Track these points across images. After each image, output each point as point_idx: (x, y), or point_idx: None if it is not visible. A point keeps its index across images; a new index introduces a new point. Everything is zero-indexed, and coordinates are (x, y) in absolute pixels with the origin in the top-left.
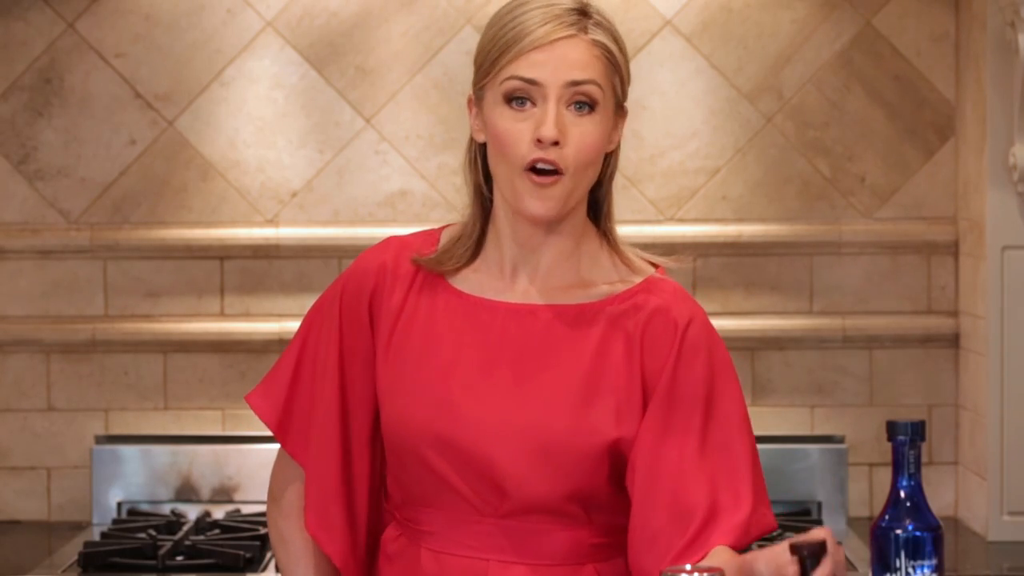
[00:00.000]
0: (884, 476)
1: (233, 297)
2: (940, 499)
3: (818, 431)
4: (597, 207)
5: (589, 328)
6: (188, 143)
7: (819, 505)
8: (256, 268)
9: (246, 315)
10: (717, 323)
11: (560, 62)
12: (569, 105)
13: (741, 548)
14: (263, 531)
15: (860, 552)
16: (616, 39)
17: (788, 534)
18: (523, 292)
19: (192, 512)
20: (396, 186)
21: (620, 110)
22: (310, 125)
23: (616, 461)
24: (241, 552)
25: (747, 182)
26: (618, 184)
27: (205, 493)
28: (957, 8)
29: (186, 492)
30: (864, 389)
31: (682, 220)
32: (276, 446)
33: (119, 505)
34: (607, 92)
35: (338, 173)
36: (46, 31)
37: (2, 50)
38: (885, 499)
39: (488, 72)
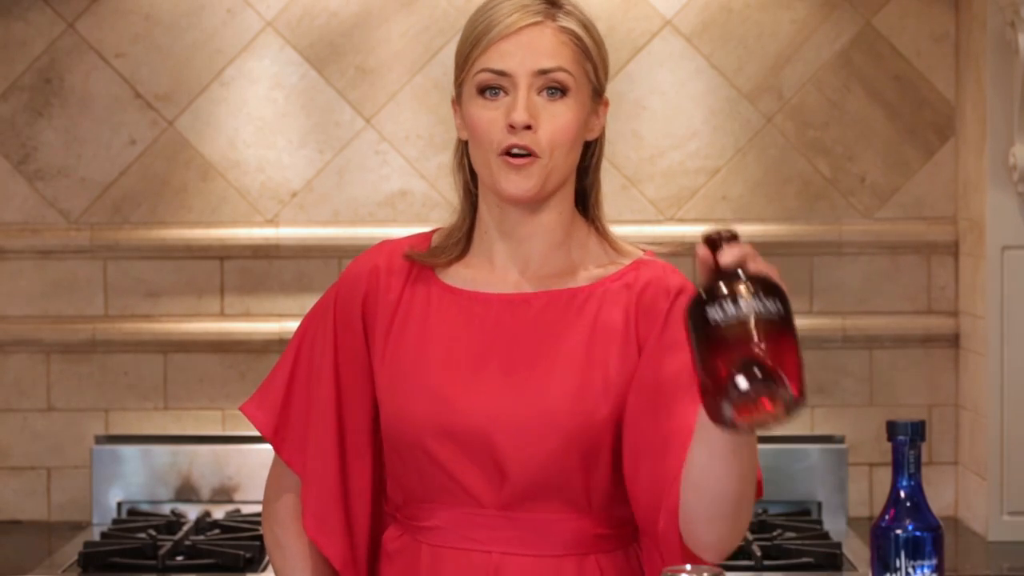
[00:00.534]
0: (884, 476)
1: (233, 297)
2: (940, 499)
3: (818, 431)
4: (584, 196)
5: (582, 310)
6: (188, 143)
7: (819, 505)
8: (256, 268)
9: (246, 315)
10: None
11: (528, 50)
12: (541, 92)
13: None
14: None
15: (860, 552)
16: (587, 26)
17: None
18: (515, 283)
19: (192, 512)
20: (396, 186)
21: (599, 98)
22: (310, 125)
23: (615, 435)
24: (241, 552)
25: (747, 182)
26: (618, 184)
27: (205, 493)
28: (957, 8)
29: (186, 492)
30: (864, 389)
31: (682, 220)
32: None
33: (119, 505)
34: (579, 78)
35: (338, 173)
36: (46, 31)
37: (2, 50)
38: (885, 499)
39: (463, 68)
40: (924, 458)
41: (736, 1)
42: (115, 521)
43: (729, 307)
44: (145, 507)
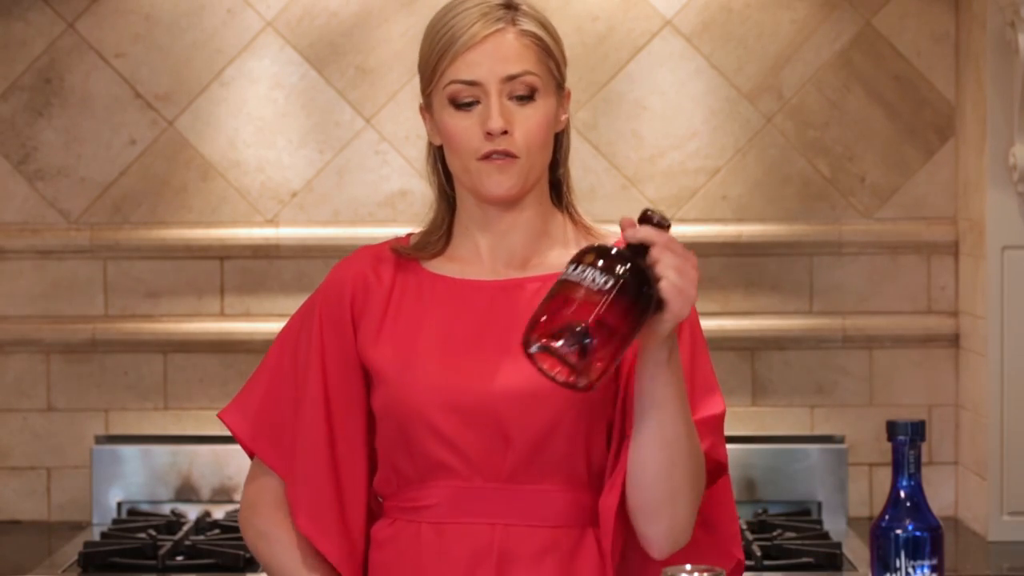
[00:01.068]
0: (884, 476)
1: (233, 297)
2: (940, 499)
3: (818, 431)
4: (558, 187)
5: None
6: (188, 143)
7: (819, 505)
8: (256, 268)
9: (246, 315)
10: (717, 323)
11: (494, 59)
12: (511, 96)
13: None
14: None
15: (860, 552)
16: (545, 25)
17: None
18: (503, 272)
19: (192, 512)
20: (396, 186)
21: (561, 90)
22: (310, 125)
23: (613, 409)
24: (241, 552)
25: (747, 182)
26: (618, 184)
27: (205, 493)
28: (957, 8)
29: (186, 492)
30: (864, 389)
31: (682, 220)
32: None
33: (119, 505)
34: (544, 77)
35: (338, 173)
36: (46, 31)
37: (2, 50)
38: (885, 499)
39: (431, 79)
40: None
41: (736, 1)
42: (115, 521)
43: (589, 273)
44: (145, 507)
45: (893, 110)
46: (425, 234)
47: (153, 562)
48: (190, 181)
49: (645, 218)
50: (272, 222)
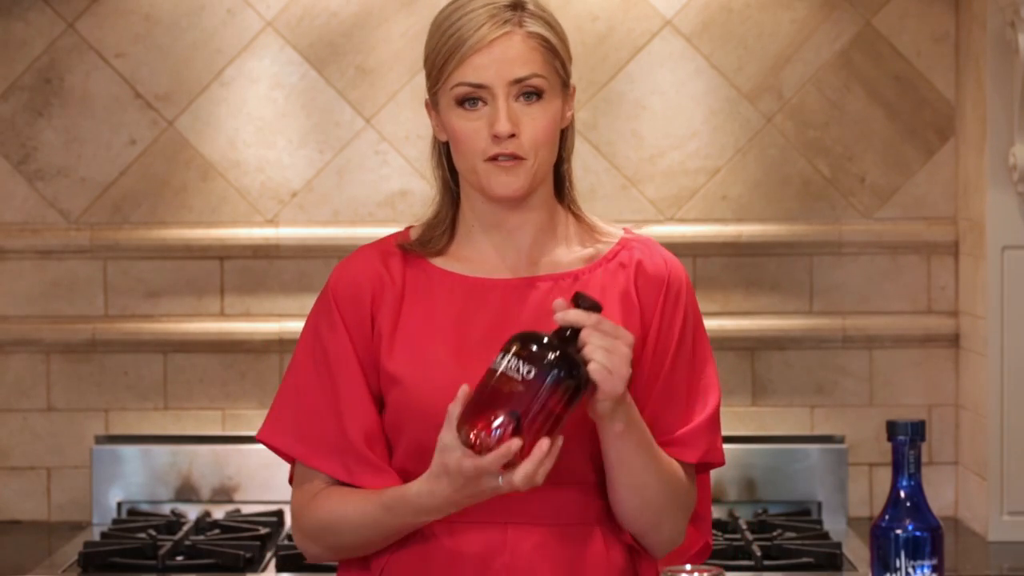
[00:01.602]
0: (884, 476)
1: (233, 297)
2: (940, 499)
3: (818, 431)
4: (560, 182)
5: (586, 290)
6: (188, 143)
7: (819, 505)
8: (256, 268)
9: (246, 315)
10: (717, 323)
11: (501, 62)
12: (518, 98)
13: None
14: (263, 531)
15: (860, 552)
16: (552, 25)
17: None
18: (513, 269)
19: (192, 512)
20: (396, 186)
21: (567, 88)
22: (310, 125)
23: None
24: (241, 552)
25: (747, 182)
26: (618, 184)
27: (205, 493)
28: (957, 8)
29: (186, 492)
30: (864, 389)
31: (682, 220)
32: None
33: (119, 505)
34: (551, 78)
35: (338, 173)
36: (46, 31)
37: (2, 50)
38: (885, 499)
39: (437, 80)
40: (924, 458)
41: (736, 1)
42: (115, 521)
43: (517, 364)
44: (145, 507)
45: (893, 110)
46: (428, 229)
47: (153, 562)
48: (190, 181)
49: (576, 301)
50: (272, 222)
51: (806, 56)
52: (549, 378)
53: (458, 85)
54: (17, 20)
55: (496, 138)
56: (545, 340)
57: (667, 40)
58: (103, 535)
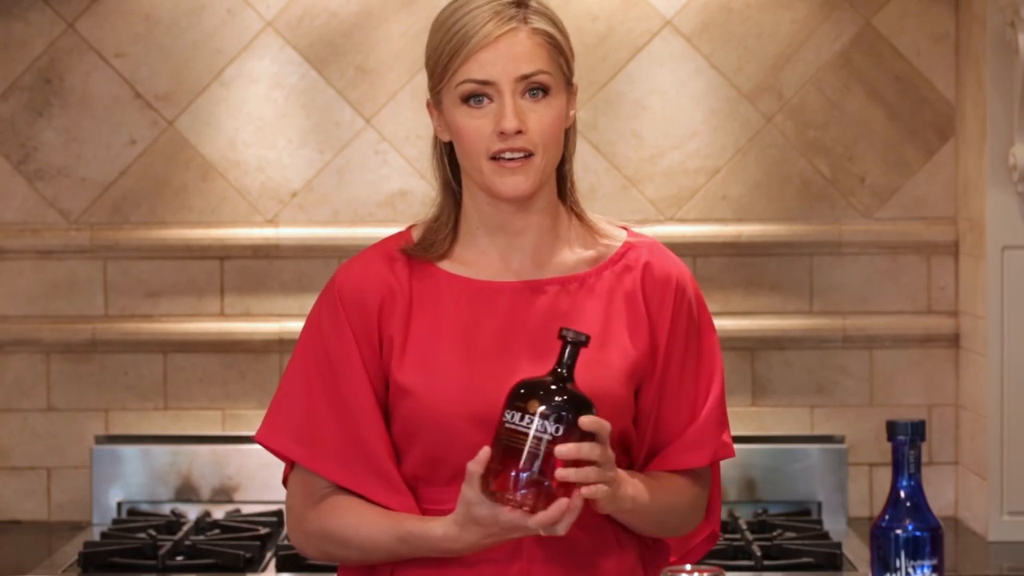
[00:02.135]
0: (884, 476)
1: (233, 297)
2: (940, 499)
3: (818, 431)
4: (562, 183)
5: (592, 292)
6: (188, 143)
7: (819, 505)
8: (256, 268)
9: (246, 315)
10: (717, 323)
11: (507, 58)
12: (524, 94)
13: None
14: (263, 531)
15: (860, 552)
16: (555, 22)
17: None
18: (518, 272)
19: (192, 512)
20: (396, 186)
21: (570, 87)
22: (310, 125)
23: (633, 411)
24: (241, 552)
25: (747, 182)
26: (618, 184)
27: (205, 493)
28: (957, 8)
29: (186, 492)
30: (864, 389)
31: (682, 220)
32: None
33: (119, 505)
34: (555, 75)
35: (338, 173)
36: (46, 31)
37: (2, 50)
38: (885, 499)
39: (441, 78)
40: (924, 458)
41: (736, 1)
42: (115, 521)
43: (520, 418)
44: (145, 507)
45: (893, 110)
46: (430, 231)
47: (153, 562)
48: (190, 181)
49: (562, 336)
50: (272, 222)
51: (806, 56)
52: (563, 424)
53: (464, 82)
54: (17, 20)
55: (502, 135)
56: (552, 387)
57: (667, 40)
58: (103, 535)
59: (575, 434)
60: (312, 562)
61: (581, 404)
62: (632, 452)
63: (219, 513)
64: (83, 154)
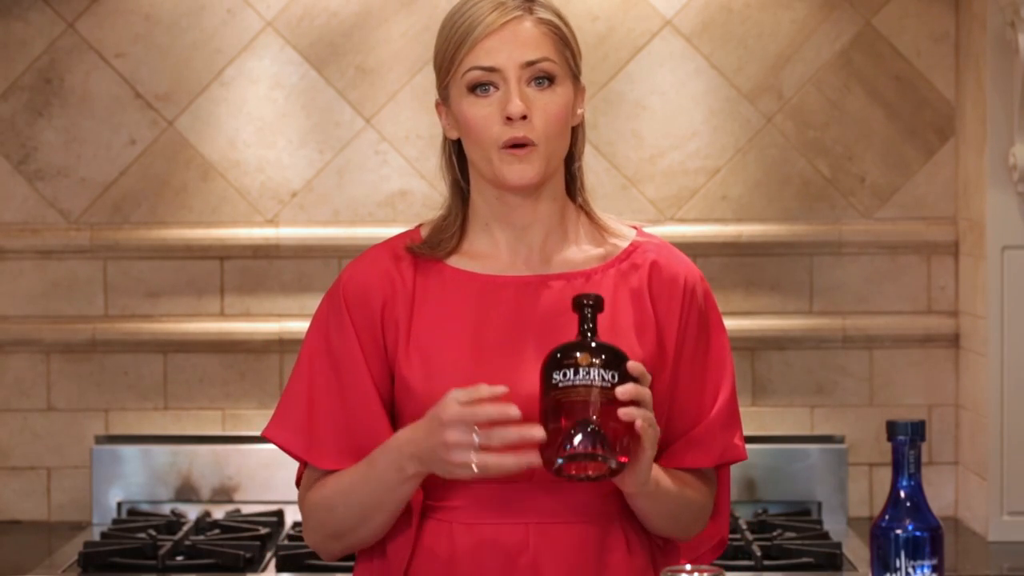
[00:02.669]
0: (884, 476)
1: (233, 297)
2: (940, 499)
3: (818, 431)
4: (571, 181)
5: (598, 288)
6: (188, 143)
7: (819, 505)
8: (256, 268)
9: (246, 315)
10: None
11: (513, 45)
12: (529, 83)
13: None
14: (263, 531)
15: (860, 552)
16: (561, 16)
17: None
18: (525, 266)
19: (192, 512)
20: (396, 186)
21: (577, 84)
22: (310, 125)
23: None
24: (241, 552)
25: (747, 182)
26: (618, 184)
27: (205, 493)
28: (957, 8)
29: (186, 492)
30: (864, 389)
31: (682, 220)
32: (274, 446)
33: (119, 505)
34: (562, 65)
35: (338, 173)
36: (46, 31)
37: (2, 50)
38: (885, 499)
39: (448, 70)
40: (924, 458)
41: (736, 1)
42: (115, 521)
43: (574, 373)
44: (145, 507)
45: (893, 110)
46: (437, 231)
47: (153, 562)
48: (190, 181)
49: (576, 302)
50: (272, 222)
51: (806, 56)
52: (616, 371)
53: (470, 70)
54: (17, 20)
55: (509, 120)
56: (592, 343)
57: (667, 40)
58: (103, 535)
59: (626, 380)
60: (312, 562)
61: (620, 353)
62: None
63: (219, 513)
64: (83, 154)
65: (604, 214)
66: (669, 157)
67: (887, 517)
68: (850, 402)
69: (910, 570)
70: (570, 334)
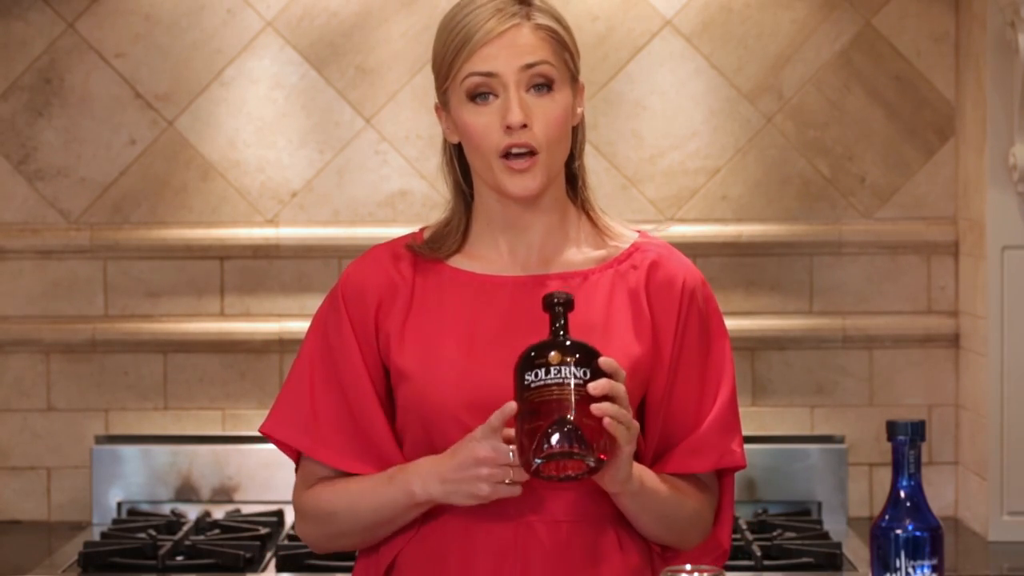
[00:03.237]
0: (884, 476)
1: (233, 297)
2: (940, 499)
3: (818, 431)
4: (573, 180)
5: (595, 289)
6: (188, 143)
7: (819, 505)
8: (256, 268)
9: (246, 315)
10: None
11: (511, 50)
12: (528, 88)
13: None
14: (263, 531)
15: (860, 552)
16: (559, 19)
17: None
18: (523, 267)
19: (192, 512)
20: (396, 186)
21: (576, 84)
22: (310, 125)
23: (635, 408)
24: (241, 552)
25: (747, 182)
26: (618, 184)
27: (205, 493)
28: (957, 8)
29: (186, 492)
30: (864, 389)
31: (682, 220)
32: (274, 446)
33: (119, 505)
34: (560, 69)
35: (338, 173)
36: (46, 31)
37: (2, 50)
38: (885, 499)
39: (447, 76)
40: (924, 458)
41: (736, 1)
42: (115, 521)
43: (546, 373)
44: (145, 507)
45: (893, 110)
46: (440, 233)
47: (153, 562)
48: (190, 181)
49: (549, 302)
50: (272, 222)
51: (806, 56)
52: (588, 367)
53: (469, 76)
54: (17, 20)
55: (509, 129)
56: (564, 342)
57: (667, 40)
58: (103, 535)
59: (597, 377)
60: (312, 562)
61: (592, 350)
62: (639, 453)
63: (219, 513)
64: (83, 154)
65: (607, 216)
66: (669, 157)
67: (887, 517)
68: (850, 402)
69: (910, 570)
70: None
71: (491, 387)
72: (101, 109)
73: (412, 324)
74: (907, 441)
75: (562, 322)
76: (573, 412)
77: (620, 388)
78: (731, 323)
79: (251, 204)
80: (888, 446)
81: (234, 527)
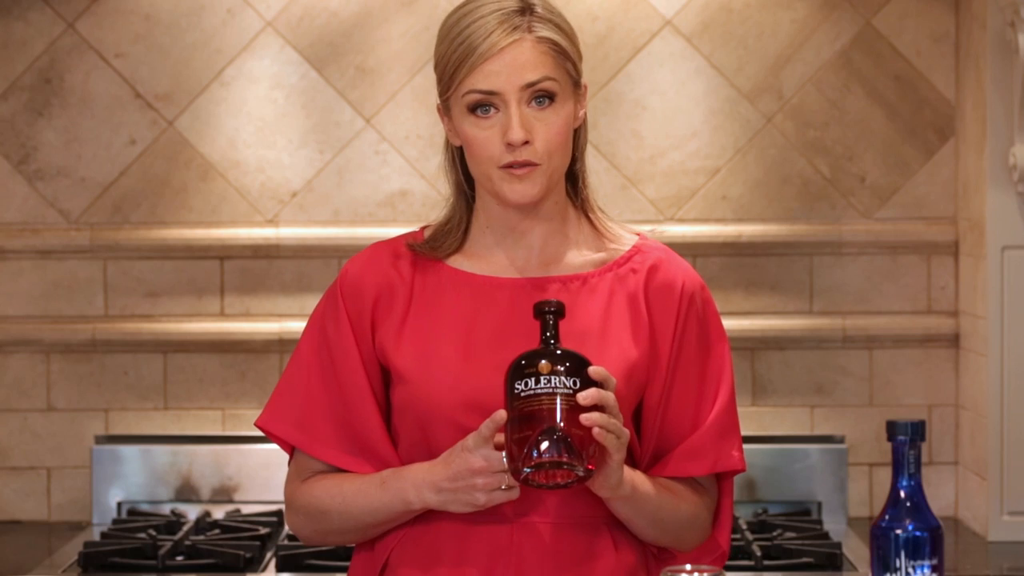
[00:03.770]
0: (884, 476)
1: (233, 297)
2: (940, 499)
3: (818, 431)
4: (574, 181)
5: (594, 292)
6: (188, 143)
7: (819, 505)
8: (256, 268)
9: (246, 315)
10: None
11: (512, 68)
12: (530, 102)
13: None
14: (263, 531)
15: (860, 552)
16: (561, 27)
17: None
18: (522, 269)
19: (192, 512)
20: (396, 186)
21: (578, 87)
22: (310, 125)
23: (631, 410)
24: (241, 552)
25: (747, 182)
26: (618, 184)
27: (205, 493)
28: (957, 8)
29: (186, 492)
30: (864, 389)
31: (682, 220)
32: (274, 446)
33: (119, 505)
34: (562, 80)
35: (338, 173)
36: (46, 31)
37: (2, 50)
38: (885, 499)
39: (448, 86)
40: (924, 458)
41: (736, 1)
42: (115, 521)
43: (535, 382)
44: (145, 507)
45: (893, 110)
46: (440, 231)
47: (153, 562)
48: (190, 181)
49: (540, 310)
50: (272, 222)
51: (806, 56)
52: (578, 377)
53: (470, 92)
54: (17, 20)
55: (510, 146)
56: (554, 351)
57: (667, 40)
58: (103, 535)
59: (587, 386)
60: (312, 562)
61: (582, 359)
62: (634, 456)
63: (219, 513)
64: (83, 154)
65: (607, 217)
66: (669, 157)
67: (887, 517)
68: (850, 402)
69: (910, 570)
70: (563, 330)
71: (487, 389)
72: (101, 109)
73: (410, 324)
74: (907, 441)
75: (553, 331)
76: (562, 422)
77: (610, 397)
78: (731, 323)
79: (251, 204)
80: (888, 446)
81: (234, 527)
